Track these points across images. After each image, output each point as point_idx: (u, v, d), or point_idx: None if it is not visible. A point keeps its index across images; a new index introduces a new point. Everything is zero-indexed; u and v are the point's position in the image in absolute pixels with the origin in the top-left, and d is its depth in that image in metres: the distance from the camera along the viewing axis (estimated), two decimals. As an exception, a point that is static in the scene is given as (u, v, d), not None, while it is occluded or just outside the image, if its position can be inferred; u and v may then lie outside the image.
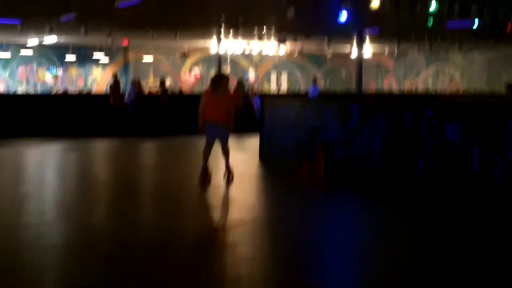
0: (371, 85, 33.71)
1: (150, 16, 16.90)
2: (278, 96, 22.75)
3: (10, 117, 16.99)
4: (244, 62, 32.07)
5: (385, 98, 22.10)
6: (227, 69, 31.06)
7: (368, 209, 8.14)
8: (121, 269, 5.31)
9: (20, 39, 24.57)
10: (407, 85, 32.44)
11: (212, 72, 30.55)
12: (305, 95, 22.48)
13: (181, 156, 13.75)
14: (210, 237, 6.48)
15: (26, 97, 20.48)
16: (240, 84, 18.78)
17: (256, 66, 32.19)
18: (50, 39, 23.70)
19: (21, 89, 27.76)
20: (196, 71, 31.04)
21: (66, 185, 9.95)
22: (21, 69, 28.02)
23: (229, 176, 9.81)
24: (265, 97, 14.33)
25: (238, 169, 9.67)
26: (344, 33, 19.83)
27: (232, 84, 16.97)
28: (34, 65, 28.22)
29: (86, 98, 20.64)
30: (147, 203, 8.62)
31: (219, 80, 9.86)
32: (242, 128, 17.69)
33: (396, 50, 26.41)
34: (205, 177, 9.63)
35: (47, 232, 6.49)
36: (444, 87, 30.43)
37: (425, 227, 7.03)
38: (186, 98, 21.15)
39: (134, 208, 8.06)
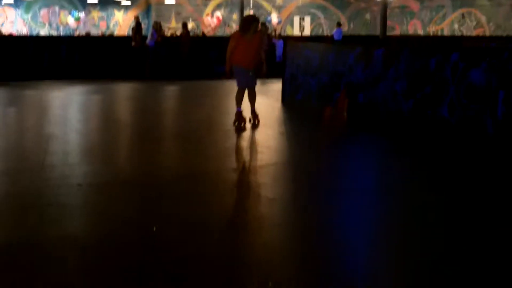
0: (395, 28, 33.14)
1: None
2: (301, 40, 22.51)
3: (32, 59, 17.05)
4: (267, 5, 31.64)
5: (410, 42, 21.75)
6: (249, 12, 30.71)
7: (391, 153, 8.12)
8: (144, 208, 5.39)
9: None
10: (433, 29, 31.83)
11: (235, 15, 30.26)
12: (329, 38, 22.21)
13: (203, 99, 13.76)
14: (233, 178, 6.53)
15: (48, 39, 20.49)
16: (264, 26, 18.63)
17: (279, 9, 31.76)
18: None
19: (43, 31, 27.78)
20: (218, 14, 30.72)
21: (90, 126, 10.05)
22: (43, 12, 27.99)
23: (254, 120, 9.72)
24: (288, 41, 14.18)
25: (261, 114, 9.66)
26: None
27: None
28: (57, 8, 28.15)
29: (108, 41, 20.61)
30: (170, 145, 8.68)
31: (249, 22, 9.47)
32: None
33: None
34: (240, 121, 9.50)
35: (71, 172, 6.59)
36: (470, 31, 29.81)
37: (445, 172, 7.02)
38: (209, 41, 21.05)
39: (157, 150, 8.13)
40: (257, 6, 31.23)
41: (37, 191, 5.89)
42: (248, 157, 7.61)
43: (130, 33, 19.10)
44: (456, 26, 30.77)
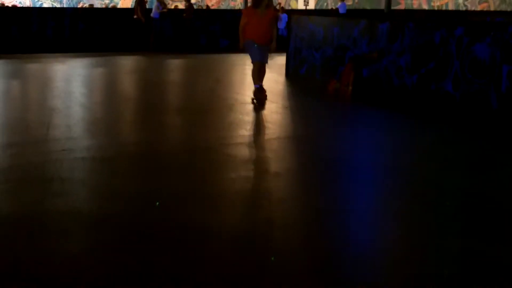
0: (400, 2, 32.87)
1: None
2: (305, 13, 22.35)
3: (35, 31, 16.98)
4: (271, -22, 31.38)
5: (414, 16, 21.59)
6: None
7: (396, 126, 8.13)
8: (147, 184, 5.40)
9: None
10: (437, 4, 31.57)
11: (239, -12, 30.01)
12: (334, 12, 22.07)
13: (207, 73, 13.73)
14: (237, 152, 6.54)
15: (51, 10, 20.37)
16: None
17: (284, -18, 31.48)
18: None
19: (46, 3, 27.61)
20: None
21: (93, 100, 10.04)
22: (46, -17, 27.78)
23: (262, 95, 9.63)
24: (292, 15, 14.10)
25: (265, 87, 9.65)
26: None
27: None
28: (60, -21, 27.93)
29: (111, 12, 20.50)
30: (174, 119, 8.67)
31: None
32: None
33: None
34: (261, 97, 9.42)
35: (75, 145, 6.59)
36: (475, 6, 29.58)
37: (451, 144, 7.03)
38: (213, 14, 20.93)
39: (161, 124, 8.13)
40: (261, -22, 30.96)
41: (40, 164, 5.89)
42: (251, 132, 7.61)
43: (134, 4, 18.91)
44: (460, 0, 30.52)
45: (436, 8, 30.97)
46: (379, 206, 5.01)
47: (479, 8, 29.13)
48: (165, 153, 6.52)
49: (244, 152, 6.52)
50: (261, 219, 4.60)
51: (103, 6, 28.00)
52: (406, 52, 9.60)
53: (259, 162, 6.24)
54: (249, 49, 9.43)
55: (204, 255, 3.87)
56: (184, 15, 18.99)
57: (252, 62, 9.48)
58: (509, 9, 26.67)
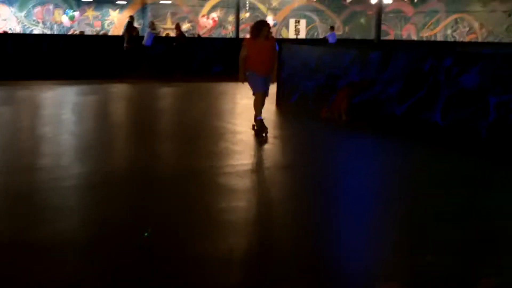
0: (390, 33, 33.24)
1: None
2: (296, 42, 22.55)
3: (26, 58, 16.96)
4: (262, 7, 31.68)
5: (404, 46, 21.81)
6: (245, 14, 30.73)
7: (387, 153, 8.18)
8: (137, 211, 5.38)
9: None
10: (426, 34, 31.96)
11: (231, 17, 30.27)
12: (324, 41, 22.27)
13: (199, 100, 13.77)
14: (226, 181, 6.53)
15: (42, 37, 20.42)
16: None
17: (275, 12, 31.80)
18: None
19: (37, 30, 27.71)
20: (214, 15, 30.74)
21: (83, 127, 10.02)
22: (37, 10, 27.89)
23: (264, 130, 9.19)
24: (284, 43, 14.21)
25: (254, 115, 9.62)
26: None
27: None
28: (51, 6, 28.07)
29: (102, 40, 20.58)
30: (164, 147, 8.66)
31: (258, 28, 9.14)
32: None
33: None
34: (262, 131, 9.10)
35: (64, 173, 6.56)
36: (463, 37, 29.96)
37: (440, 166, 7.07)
38: (204, 42, 21.07)
39: (152, 151, 8.11)
40: (253, 8, 31.27)
41: (29, 193, 5.86)
42: (241, 161, 7.59)
43: (124, 33, 18.86)
44: (449, 31, 30.89)
45: (425, 39, 31.33)
46: (374, 232, 5.00)
47: (467, 39, 29.48)
48: (155, 181, 6.49)
49: (233, 181, 6.50)
50: (251, 248, 4.58)
51: (94, 33, 28.12)
52: (396, 81, 9.67)
53: (248, 192, 6.21)
54: (251, 80, 9.18)
55: (193, 281, 3.84)
56: (174, 43, 19.08)
57: (254, 94, 9.21)
58: (496, 40, 27.01)
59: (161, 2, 28.54)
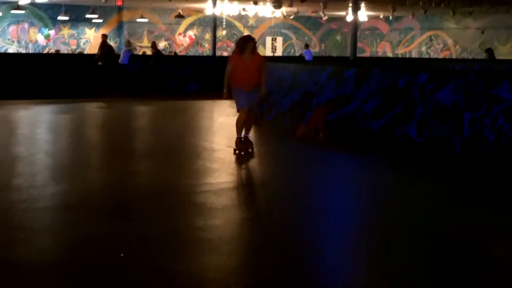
0: (366, 50, 33.55)
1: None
2: (273, 59, 22.64)
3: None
4: (239, 25, 31.82)
5: (379, 63, 22.02)
6: (222, 32, 30.82)
7: (363, 167, 8.23)
8: (113, 230, 5.32)
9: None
10: (401, 51, 32.32)
11: (208, 35, 30.34)
12: (301, 58, 22.39)
13: (175, 118, 13.72)
14: (203, 200, 6.49)
15: (16, 56, 20.26)
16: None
17: (252, 30, 31.95)
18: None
19: (11, 48, 27.48)
20: (191, 33, 30.79)
21: (58, 147, 9.92)
22: (12, 28, 27.67)
23: (248, 148, 9.14)
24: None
25: (232, 134, 9.59)
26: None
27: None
28: (26, 25, 27.88)
29: (78, 58, 20.47)
30: (140, 165, 8.60)
31: (243, 42, 8.99)
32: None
33: (391, 14, 26.21)
34: (242, 149, 8.98)
35: (38, 193, 6.49)
36: (437, 54, 30.35)
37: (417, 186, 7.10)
38: (181, 60, 21.06)
39: (128, 169, 8.05)
40: (230, 25, 31.38)
41: (1, 213, 5.76)
42: (219, 179, 7.57)
43: (98, 51, 18.65)
44: (424, 48, 31.27)
45: (400, 56, 31.66)
46: (352, 246, 5.00)
47: (441, 55, 29.85)
48: (131, 200, 6.44)
49: (211, 199, 6.47)
50: (228, 266, 4.54)
51: (69, 52, 27.97)
52: (371, 97, 9.74)
53: (225, 210, 6.18)
54: (235, 96, 9.04)
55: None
56: (151, 61, 19.05)
57: (238, 110, 9.06)
58: (470, 57, 27.39)
59: (137, 20, 28.49)
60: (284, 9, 25.08)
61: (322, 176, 7.96)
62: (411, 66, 17.11)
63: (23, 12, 26.05)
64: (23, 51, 27.39)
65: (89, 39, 29.02)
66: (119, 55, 18.56)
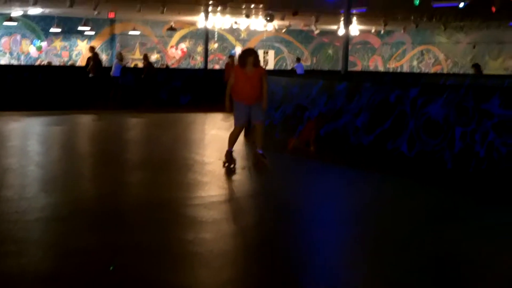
0: (357, 64, 33.71)
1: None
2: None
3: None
4: (231, 38, 31.91)
5: (370, 77, 22.12)
6: (214, 45, 30.89)
7: (354, 182, 8.24)
8: (104, 243, 5.30)
9: (3, 10, 24.19)
10: (392, 65, 32.49)
11: (200, 47, 30.40)
12: (292, 72, 22.46)
13: (167, 131, 13.71)
14: (194, 213, 6.48)
15: (8, 67, 20.22)
16: (232, 58, 19.06)
17: (243, 43, 32.04)
18: (35, 10, 23.38)
19: (4, 60, 27.43)
20: (183, 45, 30.85)
21: (49, 159, 9.88)
22: (4, 40, 27.64)
23: (261, 163, 8.98)
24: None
25: (223, 147, 9.58)
26: (332, 11, 19.80)
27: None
28: (18, 37, 27.85)
29: (70, 70, 20.45)
30: (132, 177, 8.58)
31: (244, 56, 8.88)
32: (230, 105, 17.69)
33: (382, 28, 26.37)
34: (231, 162, 8.96)
35: (29, 205, 6.46)
36: (429, 68, 30.53)
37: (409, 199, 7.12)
38: (173, 72, 21.11)
39: (119, 182, 8.04)
40: (222, 38, 31.46)
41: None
42: (209, 192, 7.56)
43: (89, 63, 18.57)
44: (415, 62, 31.45)
45: (391, 70, 31.83)
46: (341, 260, 5.00)
47: (432, 70, 30.03)
48: (122, 212, 6.42)
49: (202, 213, 6.46)
50: (219, 281, 4.53)
51: (61, 64, 27.94)
52: (362, 111, 9.77)
53: (216, 223, 6.16)
54: (236, 110, 9.00)
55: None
56: (143, 76, 19.06)
57: (235, 125, 9.05)
58: (461, 71, 27.56)
59: (129, 32, 28.52)
60: (276, 23, 25.20)
61: (313, 190, 7.97)
62: (402, 81, 17.20)
63: (15, 23, 26.06)
64: (15, 62, 27.35)
65: (81, 51, 29.01)
66: (110, 67, 18.57)
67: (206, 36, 23.52)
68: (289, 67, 31.34)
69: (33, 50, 27.85)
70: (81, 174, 8.74)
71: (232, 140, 9.00)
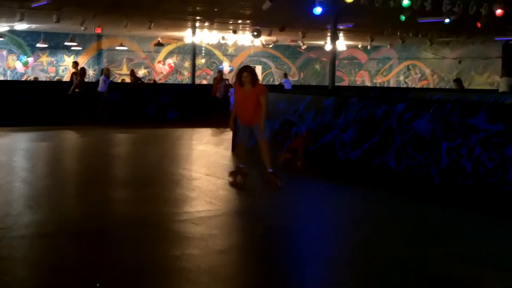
0: (344, 79, 33.86)
1: (123, 5, 16.68)
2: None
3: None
4: (218, 54, 31.96)
5: (357, 92, 22.22)
6: (201, 60, 30.94)
7: (342, 197, 8.23)
8: (90, 260, 5.25)
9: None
10: (379, 80, 32.66)
11: (187, 63, 30.41)
12: (280, 87, 22.53)
13: (154, 146, 13.67)
14: (181, 229, 6.45)
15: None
16: (221, 73, 19.16)
17: (231, 58, 32.11)
18: (21, 26, 23.31)
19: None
20: (170, 61, 30.86)
21: (35, 175, 9.80)
22: (-10, 55, 27.52)
23: (274, 183, 8.73)
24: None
25: (210, 163, 9.60)
26: (319, 27, 19.92)
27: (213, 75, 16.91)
28: (4, 52, 27.74)
29: (57, 86, 20.37)
30: (117, 194, 8.53)
31: (238, 73, 8.70)
32: (217, 120, 17.71)
33: (369, 44, 26.53)
34: (235, 176, 8.94)
35: (14, 222, 6.39)
36: (415, 83, 30.72)
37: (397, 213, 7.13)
38: (160, 88, 21.11)
39: (106, 198, 7.99)
40: (209, 54, 31.51)
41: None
42: (197, 208, 7.53)
43: (74, 78, 18.42)
44: (401, 77, 31.64)
45: (378, 85, 31.97)
46: (331, 273, 4.98)
47: (419, 85, 30.20)
48: (108, 229, 6.37)
49: (189, 228, 6.43)
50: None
51: (48, 79, 27.84)
52: (350, 126, 9.79)
53: (203, 239, 6.12)
54: (238, 128, 8.93)
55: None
56: (131, 89, 19.04)
57: (237, 142, 9.03)
58: (447, 86, 27.74)
59: (116, 48, 28.47)
60: (263, 38, 25.27)
61: (301, 205, 7.95)
62: (389, 95, 17.28)
63: (1, 39, 25.94)
64: (1, 78, 27.21)
65: (67, 67, 28.90)
66: (96, 82, 18.52)
67: (193, 51, 23.58)
68: (276, 82, 31.42)
69: (19, 66, 27.71)
70: (67, 191, 8.69)
71: (236, 157, 8.98)
